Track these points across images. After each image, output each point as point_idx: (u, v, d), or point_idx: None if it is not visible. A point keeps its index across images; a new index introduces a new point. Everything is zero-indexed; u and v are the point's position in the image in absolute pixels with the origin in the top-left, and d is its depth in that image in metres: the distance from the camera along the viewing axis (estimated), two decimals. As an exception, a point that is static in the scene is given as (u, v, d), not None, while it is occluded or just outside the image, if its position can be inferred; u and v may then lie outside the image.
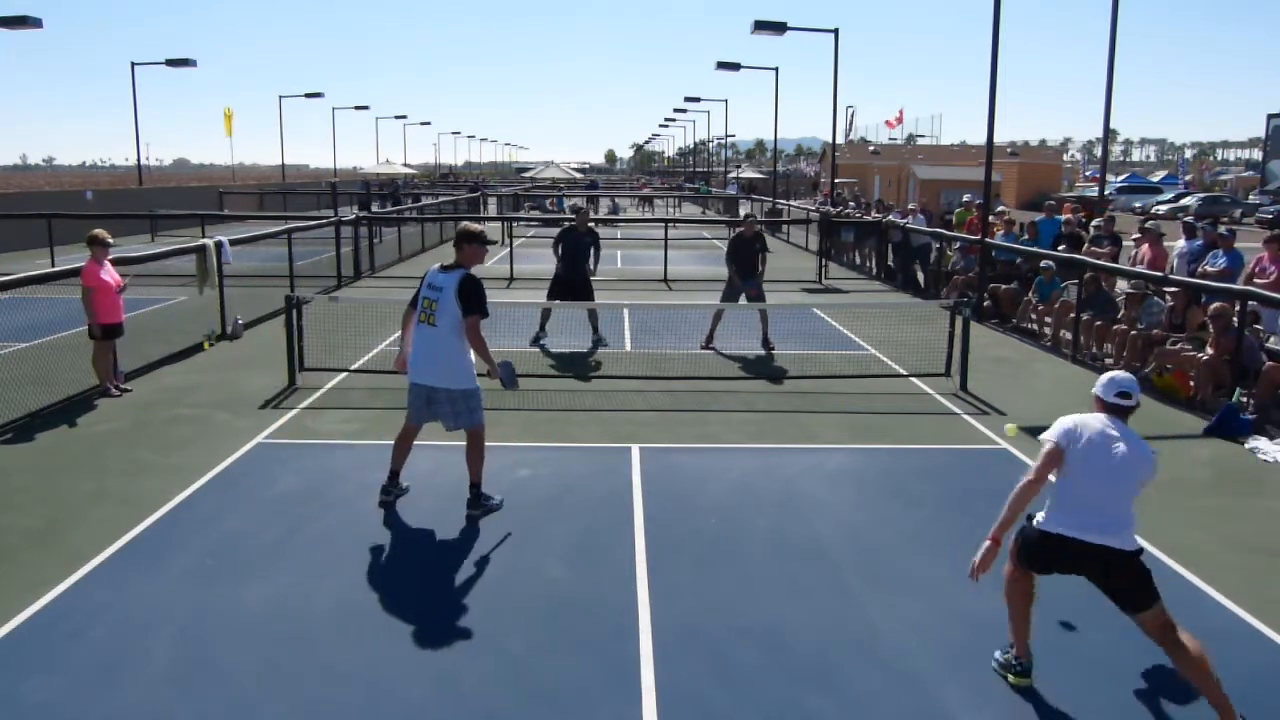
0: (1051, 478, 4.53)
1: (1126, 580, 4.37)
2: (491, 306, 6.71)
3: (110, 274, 9.66)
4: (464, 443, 6.61)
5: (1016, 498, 4.52)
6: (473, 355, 6.53)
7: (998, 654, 4.77)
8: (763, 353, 12.06)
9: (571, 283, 12.37)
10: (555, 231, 13.65)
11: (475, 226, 6.64)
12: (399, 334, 7.09)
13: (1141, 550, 4.38)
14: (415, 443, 6.85)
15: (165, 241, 23.99)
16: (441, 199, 35.90)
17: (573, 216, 14.80)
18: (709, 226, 35.42)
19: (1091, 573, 4.45)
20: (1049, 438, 4.53)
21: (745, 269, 12.35)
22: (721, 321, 12.44)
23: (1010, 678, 4.62)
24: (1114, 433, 4.42)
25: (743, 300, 12.35)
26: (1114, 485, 4.37)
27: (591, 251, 12.61)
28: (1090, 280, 12.18)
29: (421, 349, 6.50)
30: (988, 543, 4.55)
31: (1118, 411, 4.49)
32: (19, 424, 8.57)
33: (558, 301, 12.29)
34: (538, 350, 12.10)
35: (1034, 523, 4.60)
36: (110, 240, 9.75)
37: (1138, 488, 4.40)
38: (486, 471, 6.68)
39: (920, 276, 18.53)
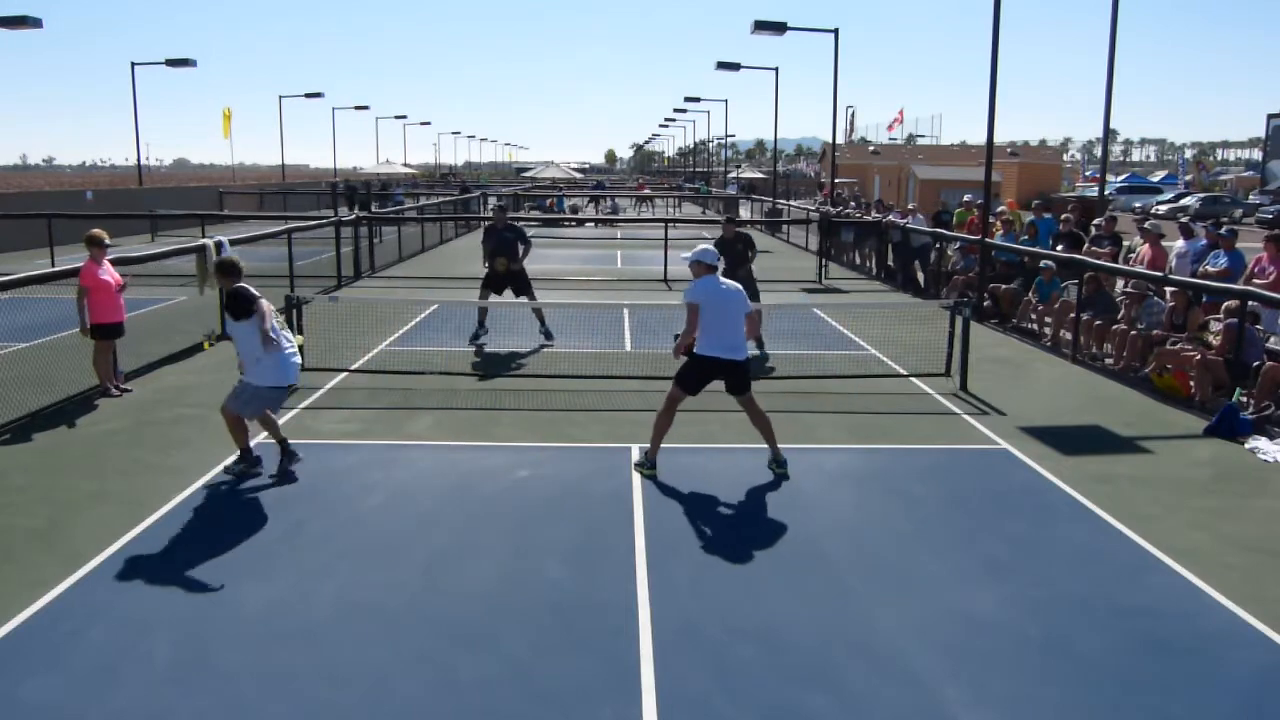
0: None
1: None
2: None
3: (110, 274, 9.65)
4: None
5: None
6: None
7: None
8: (757, 351, 12.06)
9: (499, 276, 12.53)
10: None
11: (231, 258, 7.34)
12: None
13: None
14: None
15: (165, 241, 23.98)
16: (439, 200, 35.92)
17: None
18: (709, 227, 35.39)
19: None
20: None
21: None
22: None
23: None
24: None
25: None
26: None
27: (519, 246, 12.70)
28: (1090, 280, 12.18)
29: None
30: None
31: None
32: (19, 424, 8.57)
33: (495, 299, 12.39)
34: (475, 349, 11.99)
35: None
36: (108, 240, 9.75)
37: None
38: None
39: (920, 276, 18.53)
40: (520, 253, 12.69)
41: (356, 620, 5.10)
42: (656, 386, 10.18)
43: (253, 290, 7.13)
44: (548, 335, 12.55)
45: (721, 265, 7.88)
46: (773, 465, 7.50)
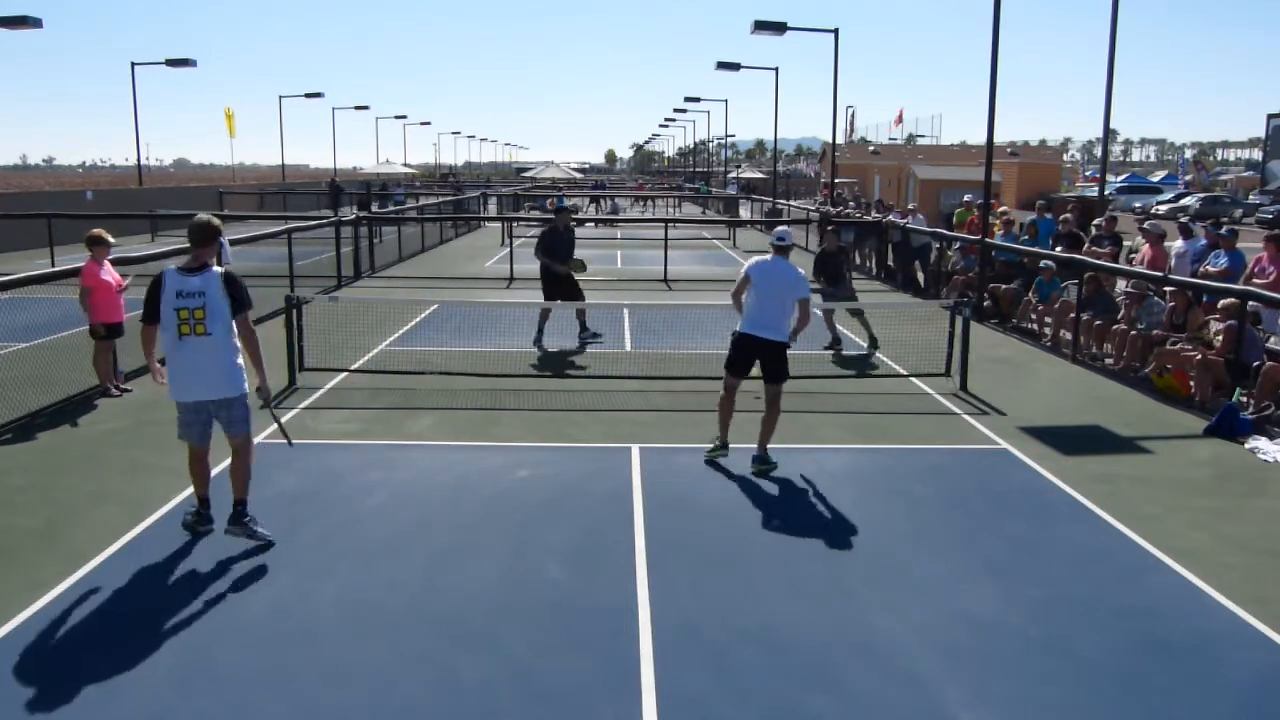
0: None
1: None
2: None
3: (110, 274, 9.65)
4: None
5: None
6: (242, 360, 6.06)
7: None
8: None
9: (560, 279, 12.47)
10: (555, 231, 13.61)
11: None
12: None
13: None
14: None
15: (165, 241, 23.96)
16: (439, 200, 35.89)
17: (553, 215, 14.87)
18: (709, 226, 35.42)
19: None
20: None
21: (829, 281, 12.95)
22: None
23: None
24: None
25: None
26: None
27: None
28: (1090, 280, 12.18)
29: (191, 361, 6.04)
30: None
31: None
32: (19, 424, 8.57)
33: (558, 301, 12.32)
34: (537, 350, 12.10)
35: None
36: (110, 240, 9.75)
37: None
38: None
39: (920, 276, 18.53)
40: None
41: (356, 620, 5.10)
42: (656, 386, 10.20)
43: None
44: (594, 335, 12.78)
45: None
46: (756, 463, 7.52)
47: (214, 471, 6.46)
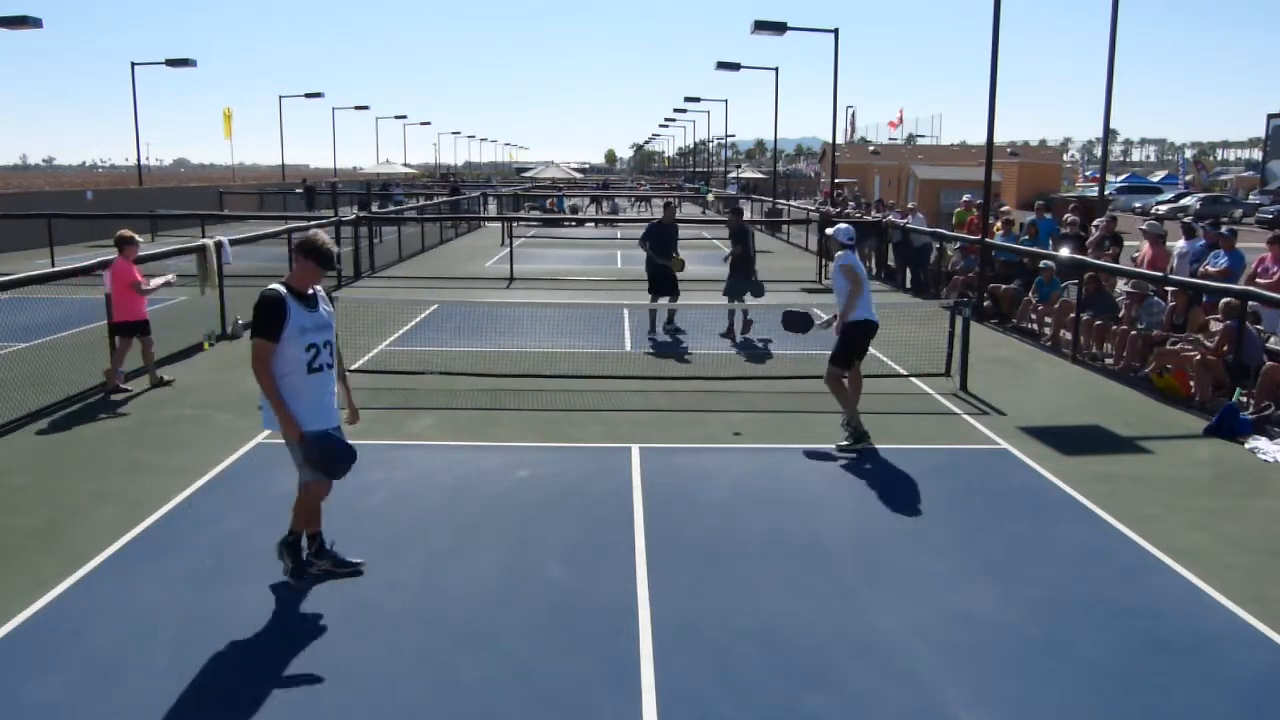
0: None
1: None
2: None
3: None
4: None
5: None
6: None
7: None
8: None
9: (666, 274, 13.06)
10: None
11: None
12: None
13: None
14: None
15: (165, 241, 23.96)
16: (438, 200, 35.88)
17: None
18: (709, 226, 35.41)
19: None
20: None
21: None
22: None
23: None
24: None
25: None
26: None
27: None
28: (1090, 280, 12.18)
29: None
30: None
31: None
32: (19, 424, 8.57)
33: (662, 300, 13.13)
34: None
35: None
36: (139, 239, 10.11)
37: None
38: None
39: (921, 276, 18.52)
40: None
41: (356, 620, 5.10)
42: (656, 386, 10.20)
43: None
44: (679, 330, 13.41)
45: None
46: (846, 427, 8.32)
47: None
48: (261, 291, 5.32)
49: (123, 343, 9.75)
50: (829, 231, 8.72)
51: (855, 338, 8.33)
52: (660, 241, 13.01)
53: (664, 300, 13.00)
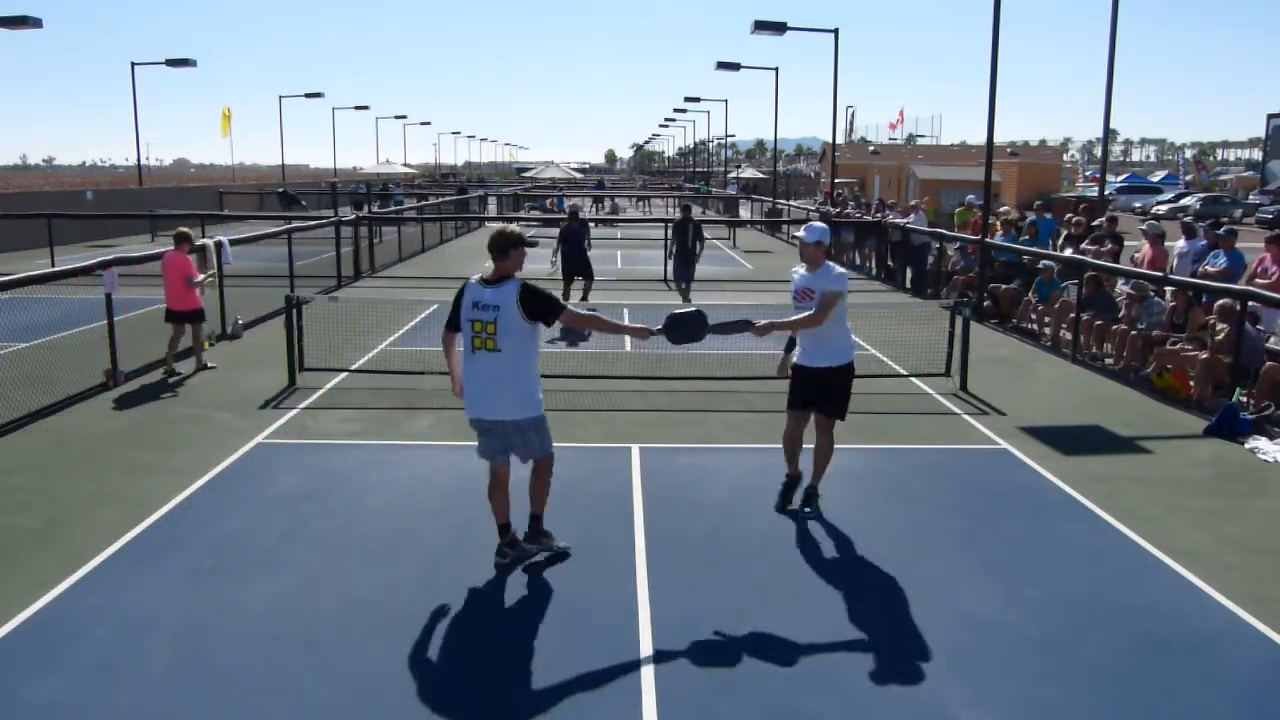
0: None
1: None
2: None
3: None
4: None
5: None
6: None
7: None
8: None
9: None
10: (553, 230, 14.71)
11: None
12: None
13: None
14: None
15: (165, 242, 23.89)
16: (439, 200, 35.86)
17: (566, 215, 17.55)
18: (709, 226, 35.39)
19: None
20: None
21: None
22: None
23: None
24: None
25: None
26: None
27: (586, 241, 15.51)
28: (1090, 280, 12.18)
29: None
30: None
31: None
32: (19, 424, 8.58)
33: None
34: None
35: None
36: (193, 236, 11.01)
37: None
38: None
39: (920, 275, 18.53)
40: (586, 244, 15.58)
41: (356, 620, 5.10)
42: (656, 387, 10.19)
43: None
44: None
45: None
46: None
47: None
48: (533, 285, 5.69)
49: (176, 330, 10.58)
50: (799, 234, 6.96)
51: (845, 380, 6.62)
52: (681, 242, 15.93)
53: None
